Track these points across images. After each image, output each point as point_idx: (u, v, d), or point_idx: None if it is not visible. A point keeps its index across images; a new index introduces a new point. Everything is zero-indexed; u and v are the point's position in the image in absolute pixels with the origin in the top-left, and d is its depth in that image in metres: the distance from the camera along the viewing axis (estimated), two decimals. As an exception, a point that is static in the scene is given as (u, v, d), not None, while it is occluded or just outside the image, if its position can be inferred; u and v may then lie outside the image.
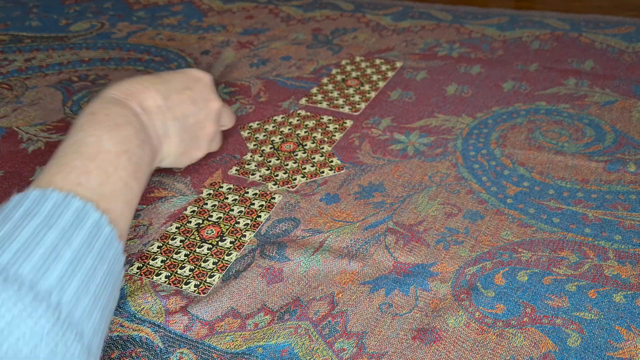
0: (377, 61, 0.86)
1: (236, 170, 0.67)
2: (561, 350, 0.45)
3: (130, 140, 0.46)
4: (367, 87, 0.80)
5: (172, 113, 0.54)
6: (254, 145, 0.70)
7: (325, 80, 0.83)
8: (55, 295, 0.33)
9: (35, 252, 0.34)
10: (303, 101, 0.78)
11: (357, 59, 0.87)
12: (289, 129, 0.73)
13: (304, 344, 0.47)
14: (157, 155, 0.53)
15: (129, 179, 0.45)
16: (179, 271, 0.54)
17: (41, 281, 0.33)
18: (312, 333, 0.48)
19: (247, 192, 0.63)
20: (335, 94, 0.79)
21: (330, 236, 0.57)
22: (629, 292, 0.48)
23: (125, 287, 0.54)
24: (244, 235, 0.58)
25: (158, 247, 0.58)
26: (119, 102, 0.49)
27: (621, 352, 0.44)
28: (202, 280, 0.53)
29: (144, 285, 0.54)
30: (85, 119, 0.46)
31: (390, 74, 0.83)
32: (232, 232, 0.58)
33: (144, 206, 0.63)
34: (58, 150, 0.44)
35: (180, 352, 0.47)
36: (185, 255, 0.56)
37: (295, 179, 0.64)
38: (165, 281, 0.54)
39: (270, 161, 0.67)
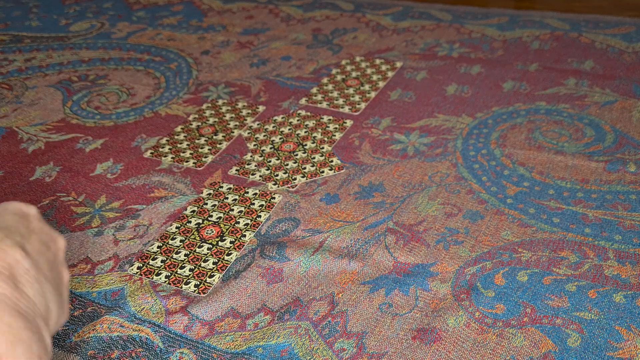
0: (377, 61, 0.86)
1: (236, 170, 0.67)
2: (561, 350, 0.45)
3: None
4: (367, 87, 0.80)
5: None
6: (254, 145, 0.70)
7: (325, 80, 0.83)
8: None
9: None
10: (303, 101, 0.78)
11: (357, 59, 0.87)
12: (289, 129, 0.73)
13: (304, 344, 0.47)
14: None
15: None
16: (179, 271, 0.54)
17: None
18: (312, 333, 0.48)
19: (247, 192, 0.63)
20: (335, 94, 0.79)
21: (330, 236, 0.57)
22: (629, 292, 0.48)
23: (125, 287, 0.54)
24: (244, 235, 0.58)
25: (158, 247, 0.58)
26: None
27: (621, 352, 0.44)
28: (202, 280, 0.53)
29: (144, 285, 0.54)
30: None
31: (390, 74, 0.83)
32: (232, 232, 0.58)
33: (144, 206, 0.63)
34: None
35: (180, 352, 0.47)
36: (185, 255, 0.56)
37: (295, 179, 0.64)
38: (165, 281, 0.54)
39: (270, 161, 0.67)
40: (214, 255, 0.56)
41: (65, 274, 0.41)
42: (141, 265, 0.56)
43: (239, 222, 0.59)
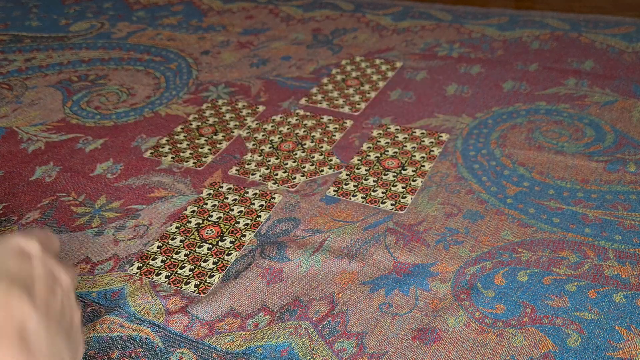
0: (377, 61, 0.86)
1: (236, 170, 0.67)
2: (561, 350, 0.45)
3: None
4: (367, 87, 0.80)
5: None
6: (253, 144, 0.70)
7: (325, 80, 0.83)
8: None
9: None
10: (303, 101, 0.78)
11: (357, 59, 0.87)
12: (288, 129, 0.73)
13: (304, 344, 0.47)
14: None
15: None
16: (179, 271, 0.54)
17: None
18: (312, 333, 0.48)
19: (247, 192, 0.63)
20: (335, 94, 0.79)
21: (330, 236, 0.57)
22: (629, 292, 0.48)
23: (125, 287, 0.54)
24: (244, 235, 0.58)
25: (158, 247, 0.58)
26: None
27: (621, 352, 0.44)
28: (202, 280, 0.53)
29: (144, 285, 0.54)
30: None
31: (390, 74, 0.83)
32: (232, 232, 0.58)
33: (144, 206, 0.63)
34: None
35: (180, 352, 0.47)
36: (185, 255, 0.56)
37: (294, 178, 0.64)
38: (165, 281, 0.54)
39: (269, 160, 0.67)
40: (214, 255, 0.56)
41: (76, 315, 0.42)
42: (141, 265, 0.56)
43: (239, 222, 0.59)
